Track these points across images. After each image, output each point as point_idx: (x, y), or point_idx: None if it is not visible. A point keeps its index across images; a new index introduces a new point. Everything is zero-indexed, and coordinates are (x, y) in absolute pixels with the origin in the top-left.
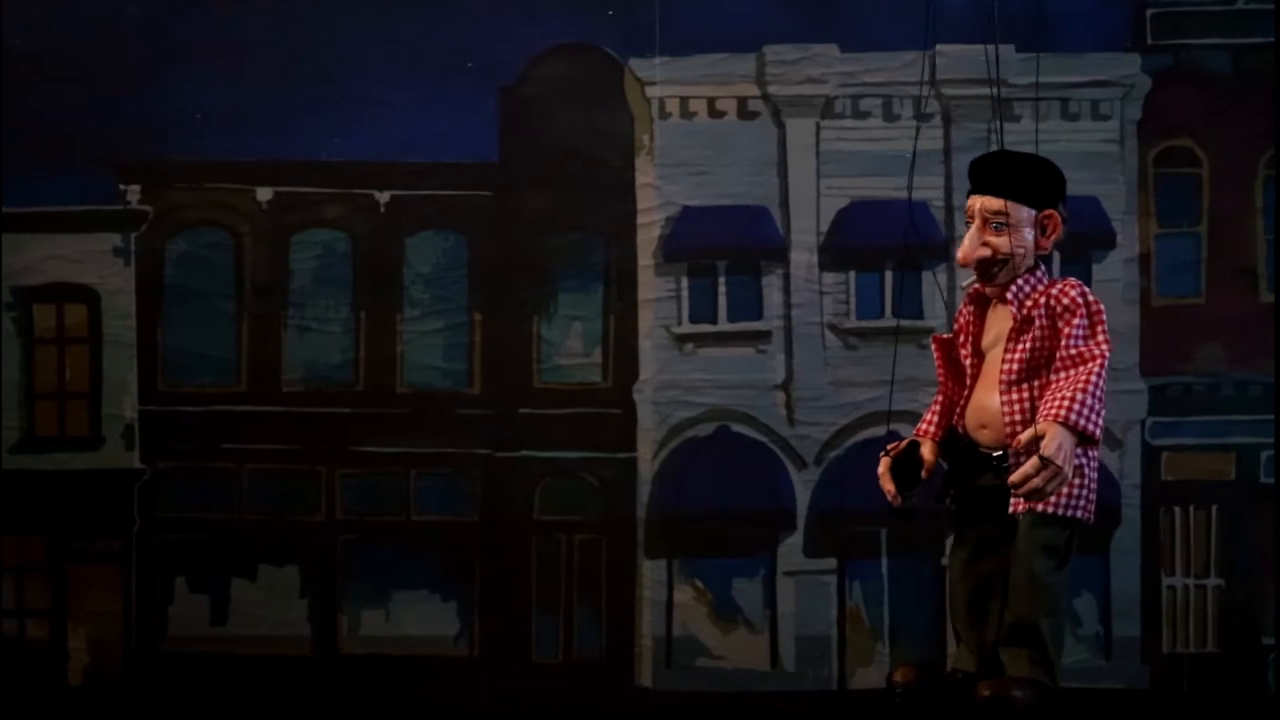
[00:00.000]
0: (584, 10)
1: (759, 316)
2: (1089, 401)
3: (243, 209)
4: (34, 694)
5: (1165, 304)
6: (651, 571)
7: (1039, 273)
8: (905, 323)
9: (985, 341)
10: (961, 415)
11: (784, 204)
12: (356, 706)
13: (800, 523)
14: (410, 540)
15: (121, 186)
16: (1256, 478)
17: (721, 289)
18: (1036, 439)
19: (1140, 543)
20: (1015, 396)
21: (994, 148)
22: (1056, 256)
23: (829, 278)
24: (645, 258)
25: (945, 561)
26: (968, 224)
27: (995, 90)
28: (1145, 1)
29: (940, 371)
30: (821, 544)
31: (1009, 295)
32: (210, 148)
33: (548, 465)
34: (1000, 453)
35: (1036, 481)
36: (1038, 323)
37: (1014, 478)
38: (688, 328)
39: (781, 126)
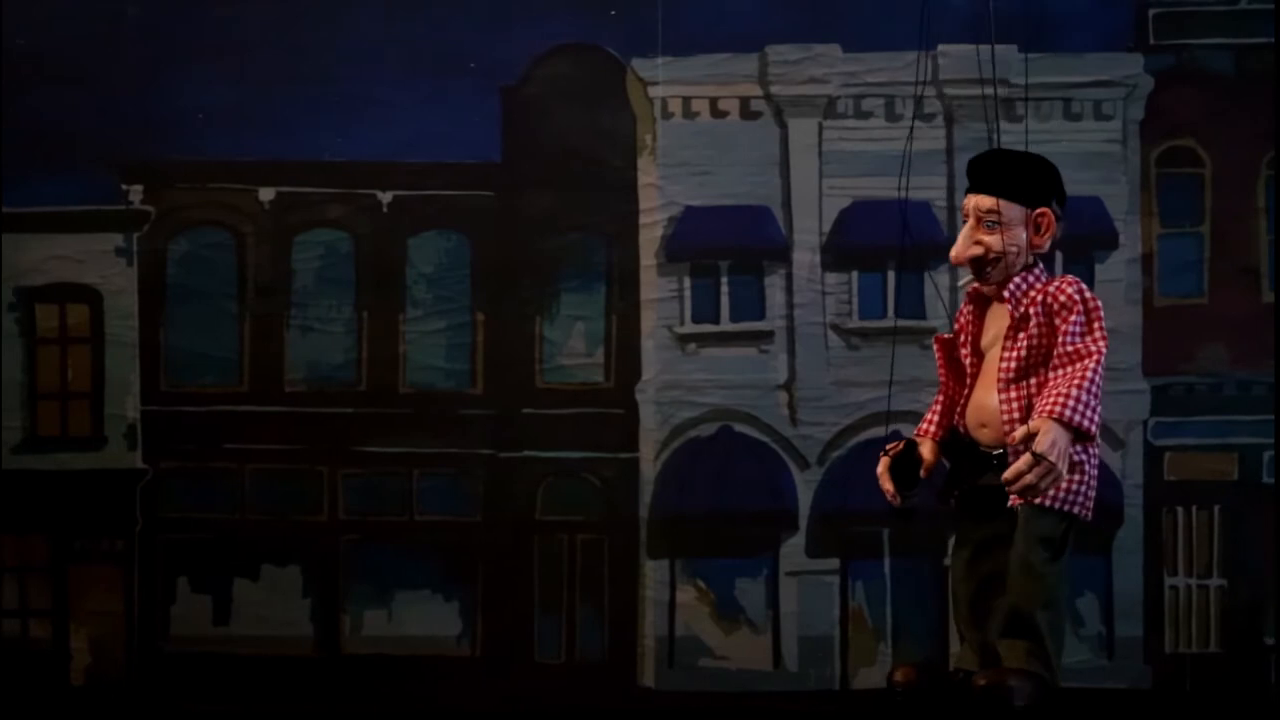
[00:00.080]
0: (586, 10)
1: (761, 316)
2: (1084, 398)
3: (245, 209)
4: (36, 694)
5: (1168, 304)
6: (654, 571)
7: (1036, 271)
8: (907, 323)
9: (984, 341)
10: (962, 415)
11: (786, 204)
12: (359, 707)
13: (803, 523)
14: (413, 540)
15: (124, 186)
16: (1259, 478)
17: (724, 289)
18: (1031, 436)
19: (1143, 543)
20: (1013, 394)
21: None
22: (1059, 256)
23: (831, 278)
24: (648, 258)
25: (947, 561)
26: (964, 223)
27: (993, 90)
28: (1148, 1)
29: (942, 371)
30: (824, 544)
31: (1005, 294)
32: (212, 147)
33: (550, 465)
34: (1000, 451)
35: (1029, 478)
36: (1034, 320)
37: (1007, 474)
38: (690, 328)
39: (784, 126)
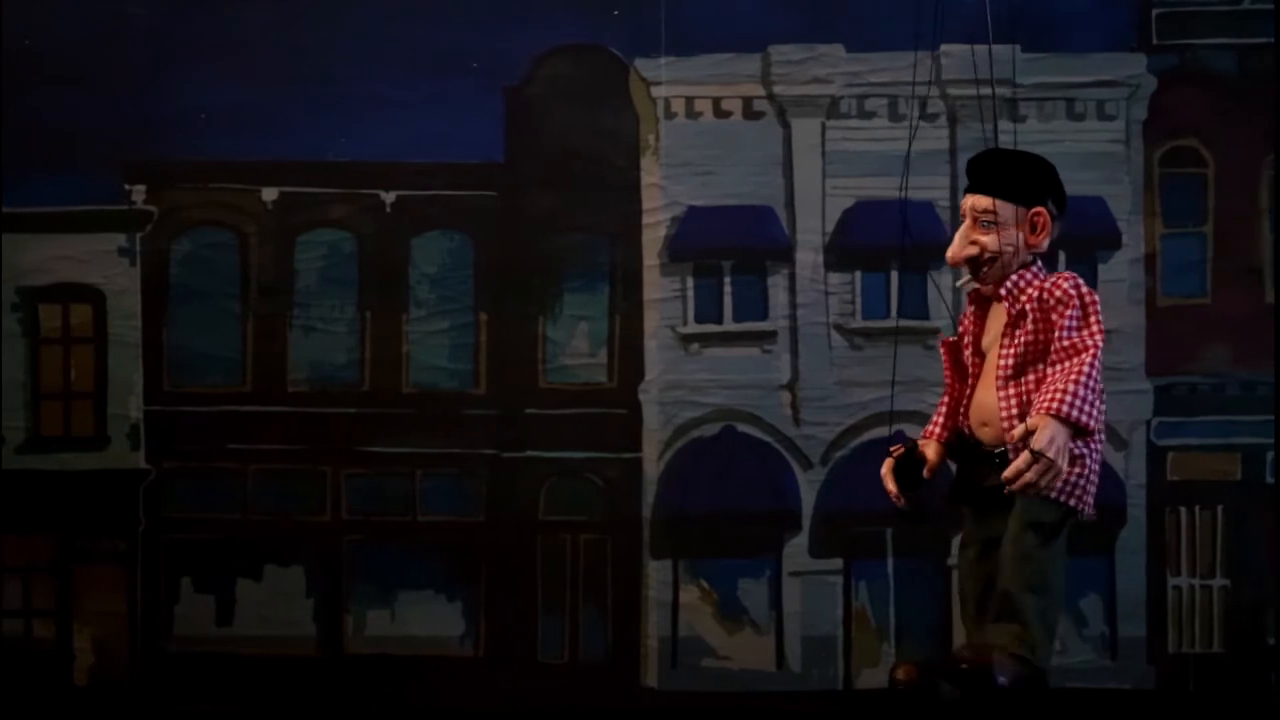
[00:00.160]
0: (589, 10)
1: (764, 316)
2: (1081, 393)
3: (248, 209)
4: (39, 694)
5: (1171, 304)
6: (657, 572)
7: (1034, 268)
8: (910, 323)
9: (985, 341)
10: (965, 415)
11: (789, 204)
12: (362, 707)
13: (806, 523)
14: (416, 540)
15: (126, 187)
16: (1262, 478)
17: (727, 289)
18: (1029, 433)
19: (1146, 543)
20: (1011, 391)
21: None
22: (1062, 256)
23: (834, 278)
24: (651, 258)
25: (950, 561)
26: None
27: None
28: (1151, 1)
29: (948, 374)
30: (827, 544)
31: (1002, 291)
32: (215, 147)
33: (553, 465)
34: (1001, 450)
35: (1029, 476)
36: (1031, 316)
37: (1007, 473)
38: (693, 328)
39: (787, 126)
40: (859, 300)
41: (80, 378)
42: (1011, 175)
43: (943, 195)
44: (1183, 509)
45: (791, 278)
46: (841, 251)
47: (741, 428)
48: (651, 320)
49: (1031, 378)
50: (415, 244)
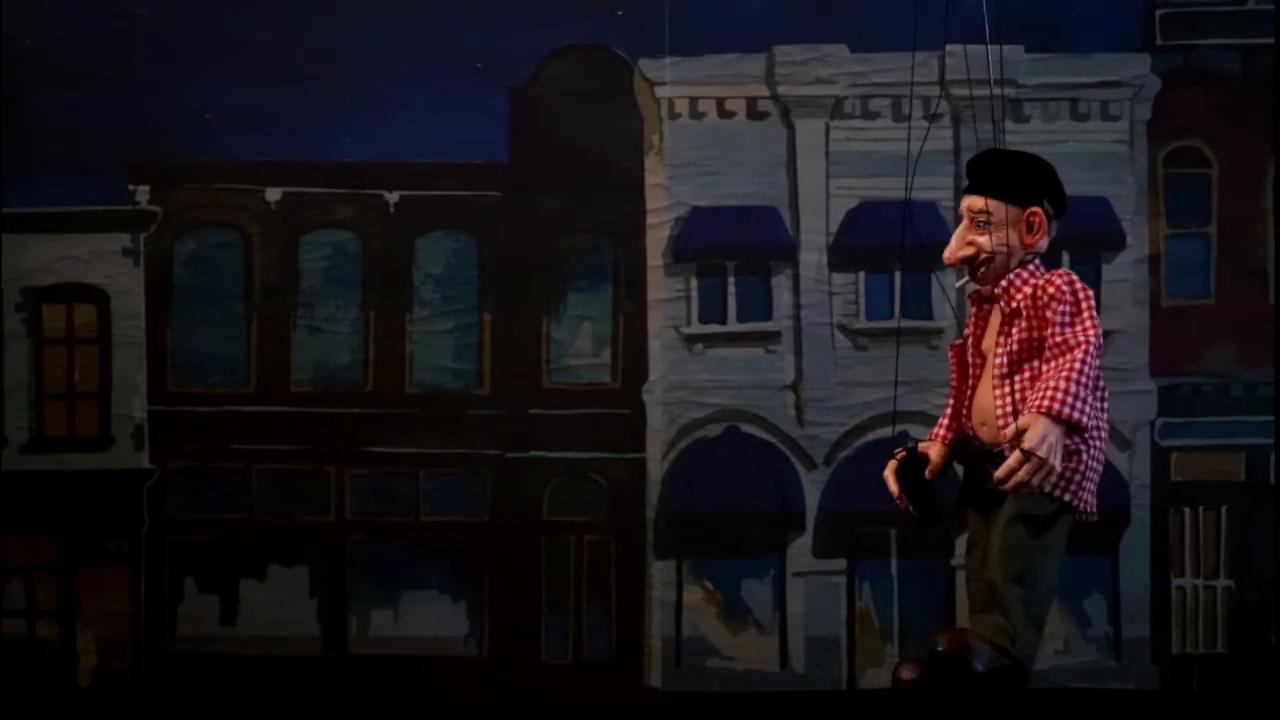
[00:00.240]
0: (593, 11)
1: (768, 317)
2: (1073, 389)
3: (252, 209)
4: (43, 694)
5: (1175, 304)
6: (661, 572)
7: (1030, 267)
8: (914, 323)
9: (986, 341)
10: (968, 415)
11: (793, 204)
12: (366, 707)
13: (809, 523)
14: (419, 540)
15: (131, 187)
16: (1266, 479)
17: (731, 289)
18: (1021, 432)
19: (1149, 543)
20: (1007, 389)
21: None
22: (1065, 256)
23: (838, 278)
24: (655, 258)
25: (954, 561)
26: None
27: (989, 90)
28: (1155, 2)
29: (954, 377)
30: (831, 544)
31: (998, 290)
32: (219, 148)
33: (557, 465)
34: (1000, 449)
35: (1021, 475)
36: (1025, 314)
37: (999, 473)
38: (697, 328)
39: (791, 127)
40: (863, 301)
41: (84, 378)
42: (1007, 176)
43: (946, 196)
44: (1186, 509)
45: (795, 278)
46: (845, 252)
47: (745, 428)
48: (655, 320)
49: (1027, 375)
50: (419, 244)
